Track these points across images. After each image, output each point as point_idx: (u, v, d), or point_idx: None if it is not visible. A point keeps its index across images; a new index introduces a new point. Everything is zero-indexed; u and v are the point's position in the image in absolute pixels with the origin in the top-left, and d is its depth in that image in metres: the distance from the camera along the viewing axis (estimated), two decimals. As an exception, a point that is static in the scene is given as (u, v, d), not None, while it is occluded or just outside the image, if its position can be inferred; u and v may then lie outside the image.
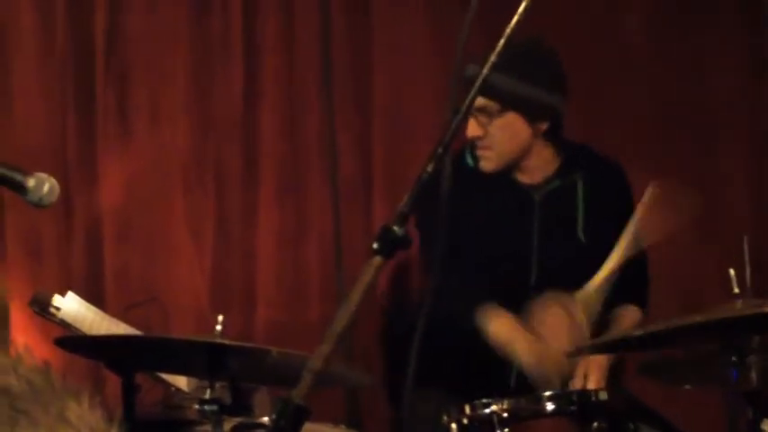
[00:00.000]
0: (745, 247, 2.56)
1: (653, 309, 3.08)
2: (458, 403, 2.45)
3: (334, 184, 3.54)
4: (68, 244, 3.42)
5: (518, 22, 1.66)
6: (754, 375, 2.36)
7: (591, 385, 2.60)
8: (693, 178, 3.60)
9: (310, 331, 3.49)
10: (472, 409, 2.40)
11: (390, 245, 1.60)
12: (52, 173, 3.39)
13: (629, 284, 2.96)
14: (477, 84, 1.65)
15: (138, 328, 3.26)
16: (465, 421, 2.39)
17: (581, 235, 2.82)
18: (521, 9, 1.67)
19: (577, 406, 2.37)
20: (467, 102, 1.64)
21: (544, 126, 2.81)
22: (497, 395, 2.44)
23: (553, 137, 2.84)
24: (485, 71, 1.65)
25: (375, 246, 1.59)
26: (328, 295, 3.52)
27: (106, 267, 3.44)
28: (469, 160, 2.85)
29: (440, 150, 1.63)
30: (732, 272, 2.32)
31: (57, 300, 2.85)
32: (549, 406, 2.38)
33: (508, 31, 1.66)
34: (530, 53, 2.76)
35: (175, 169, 3.50)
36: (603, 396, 2.42)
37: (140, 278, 3.45)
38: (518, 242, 2.81)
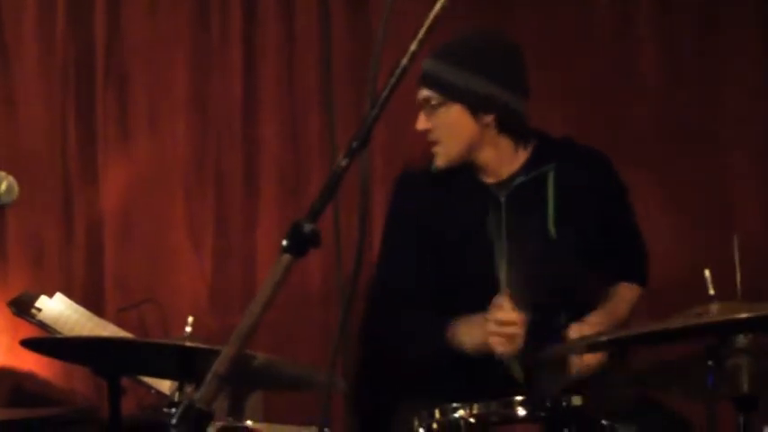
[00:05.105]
0: (735, 246, 2.45)
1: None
2: (431, 407, 2.38)
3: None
4: (69, 247, 3.43)
5: (439, 11, 1.61)
6: (743, 380, 2.26)
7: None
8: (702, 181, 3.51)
9: (311, 335, 3.46)
10: (442, 413, 2.33)
11: (300, 243, 1.56)
12: (53, 177, 3.46)
13: (625, 261, 2.88)
14: (396, 75, 1.61)
15: (134, 331, 3.26)
16: (434, 426, 2.32)
17: (552, 230, 2.71)
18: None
19: (549, 411, 2.29)
20: (383, 96, 1.60)
21: (489, 118, 2.69)
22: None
23: (509, 130, 2.73)
24: (404, 61, 1.61)
25: (284, 243, 1.56)
26: (329, 299, 3.49)
27: (106, 270, 3.44)
28: (433, 166, 2.78)
29: (354, 145, 1.59)
30: (707, 273, 2.23)
31: (41, 301, 2.86)
32: (521, 411, 2.29)
33: (428, 20, 1.62)
34: (474, 44, 2.68)
35: (175, 173, 3.50)
36: (577, 401, 2.33)
37: (140, 281, 3.44)
38: (486, 245, 2.70)
